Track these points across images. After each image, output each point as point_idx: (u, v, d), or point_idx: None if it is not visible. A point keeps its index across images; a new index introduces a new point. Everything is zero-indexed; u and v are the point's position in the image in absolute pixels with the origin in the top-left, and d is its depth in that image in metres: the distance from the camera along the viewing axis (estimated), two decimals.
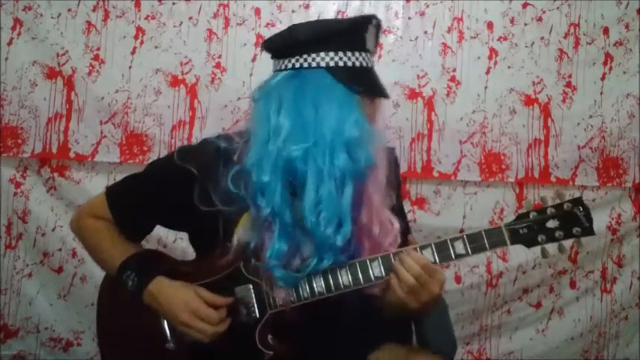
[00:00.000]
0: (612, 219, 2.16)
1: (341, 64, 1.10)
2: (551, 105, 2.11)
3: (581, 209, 1.10)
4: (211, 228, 1.15)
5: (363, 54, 1.13)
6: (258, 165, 1.08)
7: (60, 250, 2.07)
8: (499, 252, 2.13)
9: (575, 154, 2.12)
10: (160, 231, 2.01)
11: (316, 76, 1.10)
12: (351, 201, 1.07)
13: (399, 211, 1.24)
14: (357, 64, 1.12)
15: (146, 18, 2.04)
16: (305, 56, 1.11)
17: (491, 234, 1.10)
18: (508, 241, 1.09)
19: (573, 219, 1.09)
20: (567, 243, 1.10)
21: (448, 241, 1.10)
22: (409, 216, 2.09)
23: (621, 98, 2.13)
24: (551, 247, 1.12)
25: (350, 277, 1.10)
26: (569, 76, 2.12)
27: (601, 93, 2.13)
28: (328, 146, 1.06)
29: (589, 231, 1.10)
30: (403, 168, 2.06)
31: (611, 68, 2.13)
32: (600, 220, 2.14)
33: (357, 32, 1.12)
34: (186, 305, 1.12)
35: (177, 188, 1.17)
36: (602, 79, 2.13)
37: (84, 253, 2.06)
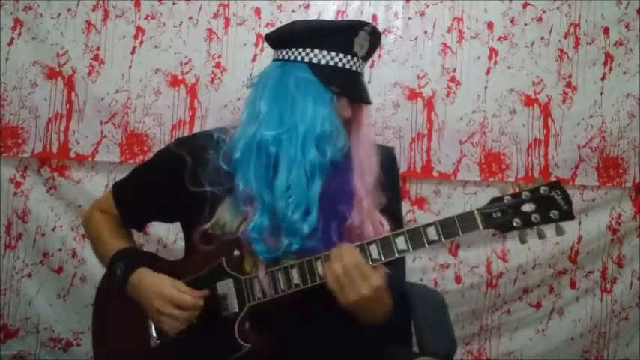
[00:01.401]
0: (612, 219, 2.16)
1: (323, 62, 1.15)
2: (551, 105, 2.11)
3: (559, 192, 1.05)
4: (200, 213, 1.18)
5: (349, 57, 1.16)
6: (236, 143, 1.16)
7: (60, 250, 2.07)
8: (499, 252, 2.13)
9: (575, 154, 2.12)
10: (160, 231, 2.02)
11: (297, 69, 1.15)
12: (320, 193, 1.11)
13: (394, 213, 1.25)
14: (340, 64, 1.15)
15: (146, 18, 2.04)
16: (293, 50, 1.17)
17: (463, 219, 1.07)
18: (480, 226, 1.07)
19: (550, 202, 1.05)
20: (547, 228, 1.06)
21: (421, 228, 1.09)
22: (409, 216, 2.09)
23: (621, 98, 2.13)
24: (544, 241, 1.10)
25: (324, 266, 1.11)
26: (569, 76, 2.12)
27: (601, 93, 2.12)
28: (300, 138, 1.11)
29: (567, 214, 1.05)
30: (403, 168, 2.06)
31: (611, 68, 2.13)
32: (600, 220, 2.15)
33: (345, 34, 1.16)
34: (160, 294, 1.14)
35: (171, 174, 1.22)
36: (602, 79, 2.13)
37: (84, 253, 2.06)
